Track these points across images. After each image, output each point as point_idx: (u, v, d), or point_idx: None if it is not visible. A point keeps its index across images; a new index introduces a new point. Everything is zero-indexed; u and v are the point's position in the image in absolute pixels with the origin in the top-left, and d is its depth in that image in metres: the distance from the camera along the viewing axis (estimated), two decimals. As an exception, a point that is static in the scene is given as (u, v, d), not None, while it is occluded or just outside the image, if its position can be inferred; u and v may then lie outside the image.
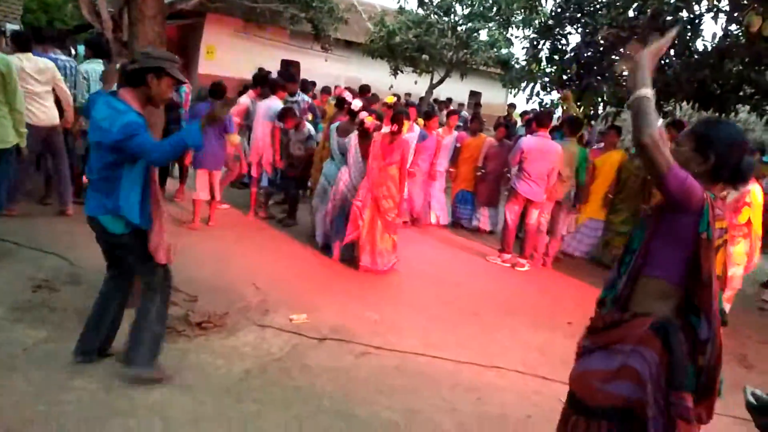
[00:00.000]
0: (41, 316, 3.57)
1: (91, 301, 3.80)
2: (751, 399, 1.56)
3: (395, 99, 9.01)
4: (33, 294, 3.84)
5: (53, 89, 5.38)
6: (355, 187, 5.65)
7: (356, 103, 5.93)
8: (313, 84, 10.94)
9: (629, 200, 6.74)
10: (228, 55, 16.07)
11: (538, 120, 6.65)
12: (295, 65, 17.33)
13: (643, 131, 1.80)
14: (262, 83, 7.18)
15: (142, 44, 3.64)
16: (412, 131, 7.34)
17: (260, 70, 8.14)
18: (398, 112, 5.83)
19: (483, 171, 7.70)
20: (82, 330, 3.11)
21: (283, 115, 6.51)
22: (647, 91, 1.83)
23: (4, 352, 3.10)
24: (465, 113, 13.73)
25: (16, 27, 12.79)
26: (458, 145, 7.95)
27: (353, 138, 5.71)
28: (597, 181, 6.87)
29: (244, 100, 7.13)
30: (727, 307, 5.05)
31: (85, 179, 6.51)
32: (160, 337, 3.08)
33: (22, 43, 5.23)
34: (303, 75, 14.54)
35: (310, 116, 7.54)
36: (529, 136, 6.66)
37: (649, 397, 1.91)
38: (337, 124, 6.12)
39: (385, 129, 5.74)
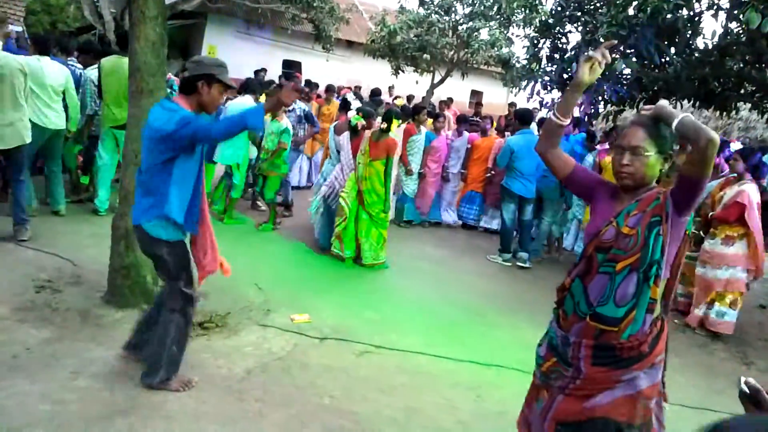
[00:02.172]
0: (44, 316, 3.59)
1: (92, 302, 3.86)
2: (744, 388, 1.57)
3: (405, 102, 9.10)
4: (36, 294, 3.86)
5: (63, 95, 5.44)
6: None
7: (355, 104, 6.05)
8: (316, 85, 10.97)
9: None
10: (229, 55, 16.02)
11: (521, 118, 6.68)
12: (297, 65, 17.36)
13: (708, 131, 1.79)
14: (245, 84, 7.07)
15: (143, 45, 3.66)
16: (418, 132, 7.44)
17: (257, 73, 8.09)
18: (388, 111, 5.97)
19: (492, 172, 7.62)
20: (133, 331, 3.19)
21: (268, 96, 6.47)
22: (687, 114, 1.89)
23: (8, 352, 3.12)
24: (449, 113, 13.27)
25: (19, 29, 12.85)
26: (469, 146, 7.94)
27: (345, 136, 5.84)
28: None
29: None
30: (733, 312, 4.98)
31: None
32: (177, 360, 3.04)
33: (41, 45, 5.33)
34: (304, 75, 14.57)
35: (306, 126, 7.55)
36: (515, 134, 6.70)
37: None
38: (336, 123, 6.29)
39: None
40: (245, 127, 2.75)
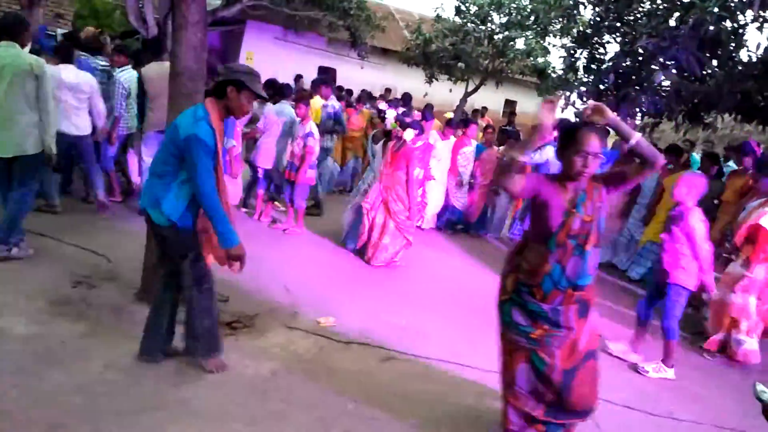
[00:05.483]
0: (79, 311, 3.69)
1: (126, 298, 3.95)
2: (758, 391, 1.93)
3: (452, 115, 9.18)
4: (72, 289, 3.97)
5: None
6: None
7: (390, 113, 6.10)
8: (349, 93, 11.02)
9: None
10: (267, 61, 16.32)
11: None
12: (332, 72, 17.53)
13: (661, 156, 2.55)
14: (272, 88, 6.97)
15: (185, 50, 3.75)
16: (469, 144, 7.51)
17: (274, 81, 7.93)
18: (404, 122, 6.05)
19: None
20: (143, 331, 3.24)
21: (298, 99, 6.39)
22: (641, 135, 2.54)
23: (44, 344, 3.22)
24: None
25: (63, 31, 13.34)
26: None
27: (380, 144, 6.01)
28: (662, 203, 6.34)
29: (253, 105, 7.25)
30: (752, 340, 4.69)
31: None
32: (213, 332, 3.20)
33: (64, 54, 5.36)
34: (339, 82, 14.70)
35: (331, 122, 7.64)
36: (552, 147, 6.61)
37: None
38: (374, 132, 6.42)
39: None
40: (216, 224, 2.91)
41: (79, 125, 5.46)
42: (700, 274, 4.11)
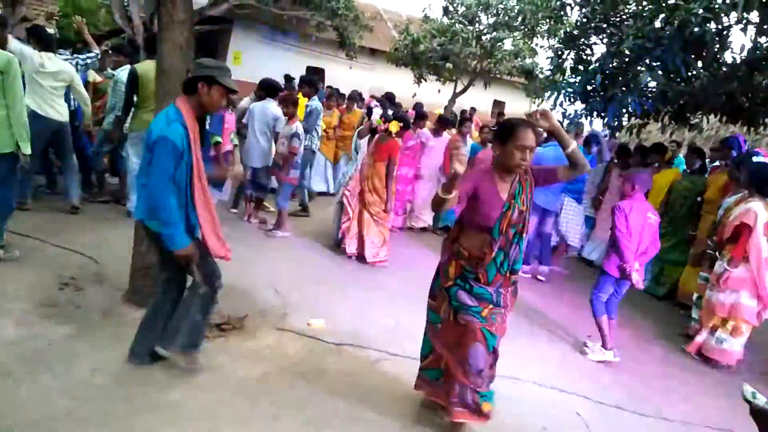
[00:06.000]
0: (66, 313, 3.65)
1: (113, 301, 3.91)
2: (748, 396, 1.98)
3: (442, 111, 9.21)
4: (59, 291, 3.93)
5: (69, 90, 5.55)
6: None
7: (377, 111, 6.10)
8: (337, 91, 10.98)
9: (676, 223, 6.27)
10: (254, 61, 16.26)
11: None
12: (320, 72, 17.50)
13: (588, 165, 2.82)
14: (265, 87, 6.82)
15: (170, 49, 3.72)
16: (464, 144, 7.54)
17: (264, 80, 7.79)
18: (395, 116, 6.07)
19: None
20: (136, 333, 3.20)
21: (282, 100, 6.34)
22: (575, 143, 2.79)
23: (31, 347, 3.18)
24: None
25: (52, 30, 13.14)
26: None
27: (366, 139, 6.08)
28: (649, 200, 6.39)
29: (245, 102, 7.20)
30: (734, 340, 4.67)
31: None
32: (199, 329, 3.18)
33: (45, 42, 5.34)
34: (327, 82, 14.68)
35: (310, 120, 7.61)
36: (542, 146, 6.65)
37: None
38: (360, 128, 6.43)
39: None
40: (162, 226, 2.90)
41: (60, 111, 5.45)
42: (620, 262, 4.36)
